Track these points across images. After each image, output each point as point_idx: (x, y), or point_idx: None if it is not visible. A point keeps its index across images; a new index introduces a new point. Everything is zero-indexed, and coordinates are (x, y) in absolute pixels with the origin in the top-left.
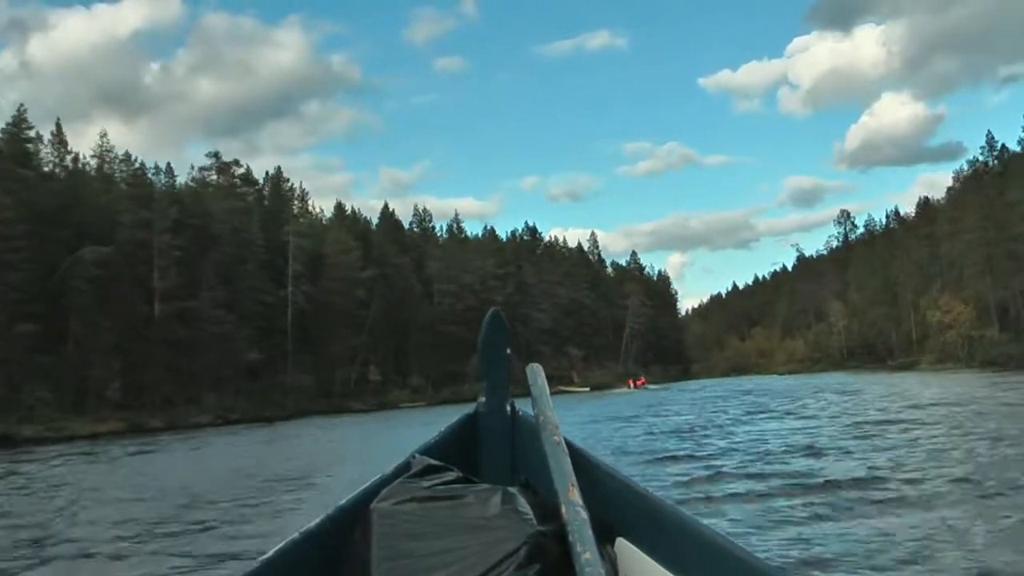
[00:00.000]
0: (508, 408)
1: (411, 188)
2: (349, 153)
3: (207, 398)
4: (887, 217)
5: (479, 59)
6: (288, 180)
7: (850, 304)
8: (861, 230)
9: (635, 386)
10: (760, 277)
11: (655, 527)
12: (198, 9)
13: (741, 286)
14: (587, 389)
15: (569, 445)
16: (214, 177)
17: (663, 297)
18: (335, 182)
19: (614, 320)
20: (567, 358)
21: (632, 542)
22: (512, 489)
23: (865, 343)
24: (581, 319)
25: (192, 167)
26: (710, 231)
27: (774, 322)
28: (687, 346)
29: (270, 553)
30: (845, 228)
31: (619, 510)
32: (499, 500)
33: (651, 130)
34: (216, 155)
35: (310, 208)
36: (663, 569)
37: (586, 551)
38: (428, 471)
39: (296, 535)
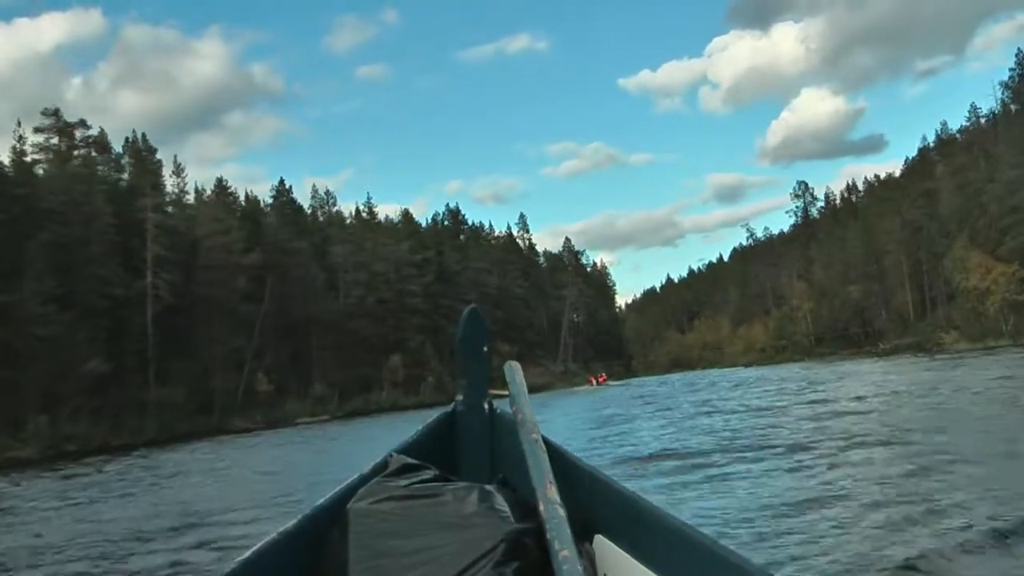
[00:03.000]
0: (486, 406)
1: (336, 196)
2: (273, 163)
3: (33, 423)
4: (847, 190)
5: (401, 66)
6: (156, 150)
7: (815, 284)
8: (822, 203)
9: (597, 383)
10: (695, 269)
11: (633, 524)
12: (119, 20)
13: (676, 279)
14: None
15: (547, 443)
16: (54, 141)
17: (601, 290)
18: (260, 191)
19: (549, 313)
20: (497, 356)
21: (610, 539)
22: (489, 487)
23: (837, 326)
24: (512, 311)
25: (19, 123)
26: (637, 230)
27: (716, 313)
28: (626, 341)
29: (247, 554)
30: (804, 201)
31: (597, 507)
32: (476, 498)
33: (575, 131)
34: (56, 112)
35: (188, 187)
36: (642, 566)
37: (564, 549)
38: (405, 470)
39: (274, 535)
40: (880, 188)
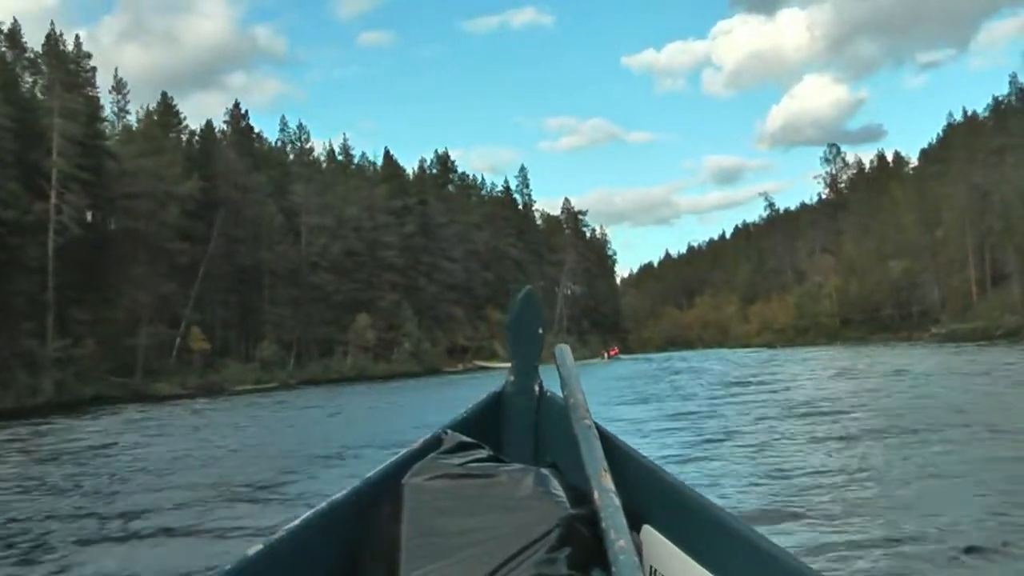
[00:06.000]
0: (536, 388)
1: (311, 130)
2: (272, 125)
3: None
4: (878, 158)
5: (404, 33)
6: (89, 56)
7: (844, 259)
8: (854, 170)
9: (608, 357)
10: (695, 245)
11: (683, 516)
12: None
13: (675, 255)
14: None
15: (598, 428)
16: None
17: (600, 260)
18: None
19: (545, 279)
20: (485, 323)
21: (659, 530)
22: (545, 471)
23: (868, 307)
24: (504, 274)
25: None
26: (632, 208)
27: (718, 291)
28: (622, 316)
29: (296, 522)
30: (834, 168)
31: (646, 497)
32: (532, 481)
33: (575, 107)
34: None
35: (130, 107)
36: (689, 558)
37: (620, 538)
38: (460, 448)
39: (323, 505)
40: (937, 148)
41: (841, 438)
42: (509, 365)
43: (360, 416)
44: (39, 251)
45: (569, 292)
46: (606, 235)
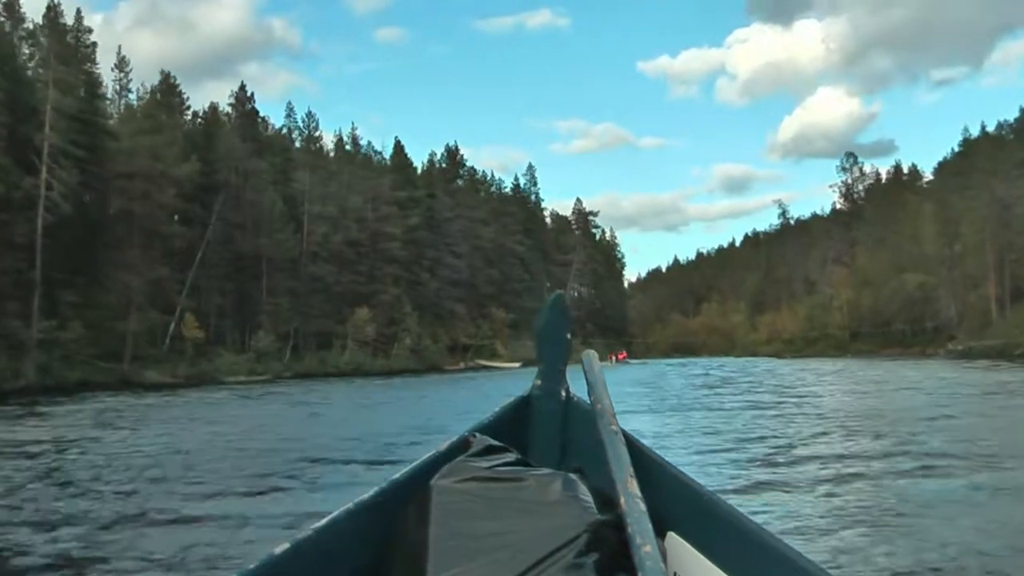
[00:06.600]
0: (563, 393)
1: (319, 118)
2: (281, 116)
3: None
4: (895, 170)
5: (418, 30)
6: (90, 31)
7: (858, 271)
8: (870, 180)
9: (616, 361)
10: (704, 252)
11: (708, 523)
12: None
13: (683, 261)
14: (517, 364)
15: (624, 435)
16: None
17: (608, 263)
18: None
19: (551, 279)
20: (489, 322)
21: (683, 537)
22: (573, 476)
23: (879, 320)
24: (509, 272)
25: None
26: (641, 213)
27: (725, 298)
28: (628, 321)
29: (323, 522)
30: (850, 176)
31: (671, 504)
32: (560, 486)
33: (587, 110)
34: None
35: (133, 86)
36: (714, 566)
37: (646, 544)
38: (489, 451)
39: (350, 505)
40: (956, 161)
41: (920, 468)
42: (511, 365)
43: (351, 418)
44: (27, 228)
45: (576, 294)
46: (615, 238)
